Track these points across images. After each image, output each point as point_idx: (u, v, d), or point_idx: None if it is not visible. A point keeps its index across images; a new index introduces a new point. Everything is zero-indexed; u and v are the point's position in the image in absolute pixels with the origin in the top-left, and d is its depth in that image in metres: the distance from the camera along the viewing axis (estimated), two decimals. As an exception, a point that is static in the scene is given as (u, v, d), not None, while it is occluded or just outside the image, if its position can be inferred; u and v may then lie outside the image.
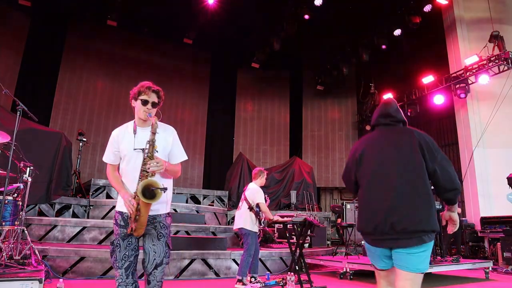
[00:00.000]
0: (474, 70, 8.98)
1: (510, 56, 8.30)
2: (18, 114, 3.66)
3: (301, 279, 4.35)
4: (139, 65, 12.48)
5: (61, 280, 3.41)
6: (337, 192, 14.01)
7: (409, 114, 10.80)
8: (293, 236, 6.45)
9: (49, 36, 11.15)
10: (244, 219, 4.69)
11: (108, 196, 7.82)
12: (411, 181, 1.94)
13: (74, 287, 4.17)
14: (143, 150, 2.29)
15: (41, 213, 6.60)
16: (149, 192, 2.15)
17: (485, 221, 8.12)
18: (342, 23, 11.58)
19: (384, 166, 2.03)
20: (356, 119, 13.82)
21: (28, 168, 4.34)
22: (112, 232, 4.41)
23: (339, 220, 10.18)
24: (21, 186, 4.27)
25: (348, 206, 10.54)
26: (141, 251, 2.37)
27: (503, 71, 8.60)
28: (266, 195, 4.99)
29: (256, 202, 4.69)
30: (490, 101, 8.94)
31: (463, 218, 8.53)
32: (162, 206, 2.39)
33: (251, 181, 5.00)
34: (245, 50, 13.50)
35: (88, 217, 7.01)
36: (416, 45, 11.87)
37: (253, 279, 4.67)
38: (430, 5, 10.01)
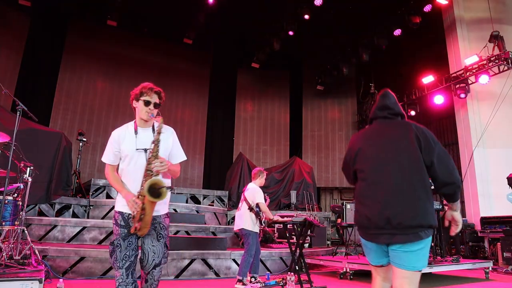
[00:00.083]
0: (474, 70, 8.97)
1: (510, 56, 8.30)
2: (18, 114, 3.66)
3: (301, 279, 4.34)
4: (139, 65, 12.49)
5: (61, 280, 3.42)
6: (337, 192, 14.01)
7: (409, 114, 10.80)
8: (293, 236, 6.46)
9: (49, 36, 11.14)
10: (244, 220, 4.69)
11: (108, 196, 7.82)
12: (408, 175, 1.90)
13: (74, 287, 4.17)
14: (145, 150, 2.33)
15: (41, 213, 6.60)
16: (155, 191, 2.17)
17: (485, 221, 8.12)
18: (342, 23, 11.59)
19: (381, 160, 2.00)
20: (356, 119, 13.82)
21: (28, 168, 4.34)
22: (112, 232, 4.41)
23: (339, 220, 10.18)
24: (21, 186, 4.27)
25: (348, 206, 10.54)
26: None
27: (503, 71, 8.60)
28: (265, 195, 4.99)
29: (256, 202, 4.69)
30: (490, 101, 8.94)
31: (463, 218, 8.54)
32: (162, 206, 2.41)
33: (251, 181, 5.00)
34: (245, 50, 13.51)
35: (88, 217, 7.01)
36: (416, 45, 11.87)
37: (253, 279, 4.67)
38: (430, 5, 10.01)
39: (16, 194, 4.21)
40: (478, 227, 8.28)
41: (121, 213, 2.34)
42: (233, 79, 14.42)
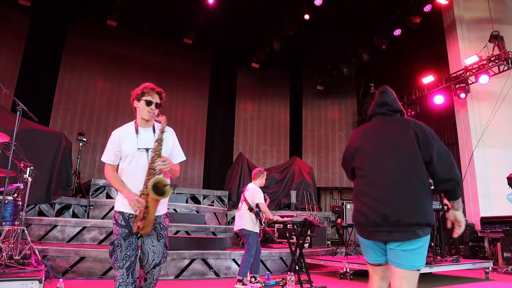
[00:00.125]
0: (474, 70, 8.97)
1: (510, 56, 8.30)
2: (18, 114, 3.67)
3: (301, 279, 4.35)
4: (139, 65, 12.49)
5: (61, 280, 3.42)
6: (337, 192, 14.01)
7: (409, 114, 10.80)
8: (293, 236, 6.46)
9: (49, 36, 11.15)
10: (244, 220, 4.69)
11: (108, 196, 7.82)
12: (406, 172, 1.88)
13: (74, 287, 4.17)
14: (146, 149, 2.35)
15: (41, 213, 6.60)
16: (159, 189, 2.19)
17: (485, 221, 8.12)
18: (342, 23, 11.58)
19: (379, 157, 1.98)
20: (356, 119, 13.82)
21: (28, 168, 4.34)
22: (112, 232, 4.41)
23: (339, 220, 10.18)
24: (21, 186, 4.27)
25: (348, 206, 10.55)
26: None
27: (503, 71, 8.60)
28: (265, 195, 4.99)
29: (256, 202, 4.69)
30: (490, 101, 8.94)
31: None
32: (162, 206, 2.43)
33: (251, 181, 5.00)
34: (245, 50, 13.51)
35: (88, 217, 7.01)
36: (416, 45, 11.86)
37: (253, 279, 4.67)
38: (430, 5, 10.01)
39: (16, 194, 4.21)
40: (478, 227, 8.28)
41: (121, 213, 2.35)
42: (233, 79, 14.43)
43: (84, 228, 5.92)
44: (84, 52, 11.76)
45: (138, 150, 2.36)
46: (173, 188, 2.24)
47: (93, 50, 11.97)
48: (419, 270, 1.86)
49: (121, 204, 2.36)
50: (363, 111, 13.32)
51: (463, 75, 9.20)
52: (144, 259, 2.35)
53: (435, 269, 5.22)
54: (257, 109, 14.48)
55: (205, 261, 5.46)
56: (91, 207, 7.11)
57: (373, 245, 1.97)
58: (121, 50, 12.43)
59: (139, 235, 2.36)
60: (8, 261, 3.62)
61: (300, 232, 4.70)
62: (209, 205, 9.53)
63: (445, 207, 7.09)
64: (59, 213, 6.85)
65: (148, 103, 2.40)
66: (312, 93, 14.13)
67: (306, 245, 7.87)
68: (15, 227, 4.08)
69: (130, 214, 2.33)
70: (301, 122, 14.19)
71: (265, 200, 4.85)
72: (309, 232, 4.88)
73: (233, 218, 6.10)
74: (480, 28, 9.42)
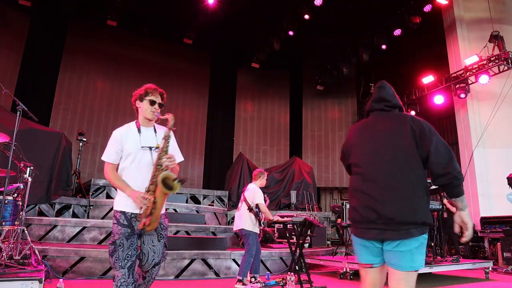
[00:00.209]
0: (474, 70, 8.97)
1: (510, 56, 8.30)
2: (18, 114, 3.66)
3: (301, 279, 4.35)
4: (139, 65, 12.49)
5: (61, 280, 3.42)
6: (337, 192, 14.01)
7: (409, 114, 10.79)
8: (293, 236, 6.45)
9: (49, 36, 11.15)
10: (244, 220, 4.69)
11: (108, 196, 7.82)
12: (401, 170, 1.83)
13: (74, 287, 4.17)
14: (150, 148, 2.39)
15: (41, 213, 6.60)
16: (168, 184, 2.22)
17: (485, 221, 8.12)
18: (342, 23, 11.58)
19: (375, 154, 1.93)
20: (356, 119, 13.82)
21: (28, 168, 4.34)
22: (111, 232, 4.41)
23: (339, 220, 10.20)
24: (21, 186, 4.27)
25: (348, 206, 10.53)
26: None
27: (503, 71, 8.60)
28: (265, 196, 4.98)
29: (256, 202, 4.69)
30: (490, 101, 8.94)
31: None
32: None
33: (251, 181, 5.00)
34: (245, 50, 13.52)
35: (88, 217, 7.01)
36: (416, 45, 11.86)
37: (253, 279, 4.67)
38: (430, 5, 10.01)
39: (16, 194, 4.21)
40: (478, 227, 8.28)
41: (123, 212, 2.35)
42: (233, 79, 14.44)
43: (84, 228, 5.92)
44: (84, 52, 11.76)
45: (142, 148, 2.39)
46: (181, 183, 2.27)
47: (93, 50, 11.97)
48: (417, 270, 1.82)
49: (123, 203, 2.37)
50: (363, 111, 13.30)
51: (463, 75, 9.20)
52: (143, 259, 2.37)
53: (435, 269, 5.22)
54: (257, 109, 14.48)
55: (205, 261, 5.46)
56: (91, 207, 7.11)
57: (368, 243, 1.90)
58: (121, 50, 12.43)
59: (142, 232, 2.37)
60: (8, 261, 3.62)
61: (300, 232, 4.70)
62: (209, 205, 9.53)
63: (444, 207, 7.11)
64: (59, 213, 6.85)
65: (152, 102, 2.45)
66: (312, 93, 14.13)
67: (306, 245, 7.87)
68: (15, 227, 4.08)
69: (132, 213, 2.34)
70: (301, 122, 14.19)
71: (265, 201, 4.84)
72: (309, 232, 4.88)
73: (233, 218, 6.10)
74: (480, 28, 9.42)
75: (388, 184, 1.83)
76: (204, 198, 9.70)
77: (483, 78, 8.68)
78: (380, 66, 12.78)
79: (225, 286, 4.77)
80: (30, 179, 4.34)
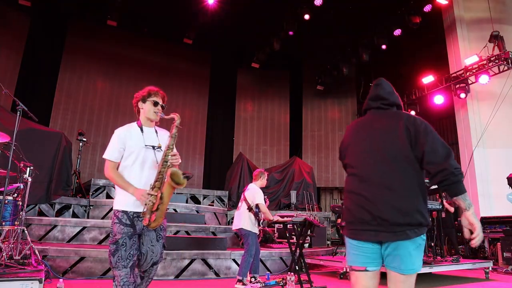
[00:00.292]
0: (474, 70, 8.98)
1: (510, 56, 8.30)
2: (18, 114, 3.66)
3: (301, 279, 4.35)
4: (139, 65, 12.49)
5: (61, 280, 3.42)
6: (337, 192, 14.01)
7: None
8: (293, 236, 6.45)
9: (49, 36, 11.15)
10: (243, 220, 4.69)
11: (108, 196, 7.82)
12: (396, 170, 1.78)
13: (74, 287, 4.17)
14: (153, 147, 2.45)
15: (41, 213, 6.60)
16: (175, 180, 2.27)
17: (485, 221, 8.11)
18: (342, 23, 11.58)
19: (369, 155, 1.88)
20: (356, 119, 13.82)
21: (28, 168, 4.34)
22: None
23: (339, 220, 10.18)
24: (21, 186, 4.27)
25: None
26: None
27: (503, 71, 8.60)
28: (265, 197, 4.98)
29: (256, 202, 4.69)
30: (490, 101, 8.94)
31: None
32: None
33: (251, 181, 5.00)
34: (245, 50, 13.52)
35: (88, 217, 7.01)
36: (416, 45, 11.87)
37: (253, 279, 4.67)
38: (430, 5, 10.02)
39: (16, 194, 4.21)
40: (478, 227, 8.27)
41: (125, 212, 2.35)
42: (233, 79, 14.44)
43: (84, 228, 5.92)
44: (84, 52, 11.76)
45: (145, 147, 2.43)
46: (188, 179, 2.35)
47: (93, 50, 11.97)
48: (416, 272, 1.78)
49: (124, 203, 2.37)
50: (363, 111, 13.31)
51: (463, 75, 9.20)
52: (142, 258, 2.39)
53: (435, 269, 5.21)
54: (257, 109, 14.48)
55: (205, 261, 5.46)
56: (91, 207, 7.11)
57: (363, 244, 1.82)
58: (121, 50, 12.43)
59: (142, 232, 2.39)
60: (8, 261, 3.62)
61: (300, 232, 4.70)
62: (209, 205, 9.53)
63: (446, 206, 7.11)
64: (59, 213, 6.85)
65: (155, 103, 2.52)
66: (312, 93, 14.13)
67: (306, 245, 7.87)
68: (15, 227, 4.08)
69: (134, 212, 2.35)
70: (301, 122, 14.19)
71: (265, 201, 4.84)
72: (309, 232, 4.88)
73: (233, 218, 6.10)
74: (480, 28, 9.42)
75: (382, 184, 1.78)
76: (204, 198, 9.69)
77: (483, 78, 8.69)
78: (380, 66, 12.77)
79: (225, 286, 4.77)
80: (30, 179, 4.34)
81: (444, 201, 6.79)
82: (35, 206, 6.52)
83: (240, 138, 14.11)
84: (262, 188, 4.89)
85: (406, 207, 1.72)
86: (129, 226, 2.32)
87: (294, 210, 10.19)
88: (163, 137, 2.55)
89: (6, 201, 3.96)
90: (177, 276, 5.17)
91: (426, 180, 1.84)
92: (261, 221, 4.81)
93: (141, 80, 11.56)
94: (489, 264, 5.88)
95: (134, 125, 2.54)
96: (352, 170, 1.95)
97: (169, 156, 2.37)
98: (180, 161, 2.45)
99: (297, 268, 4.41)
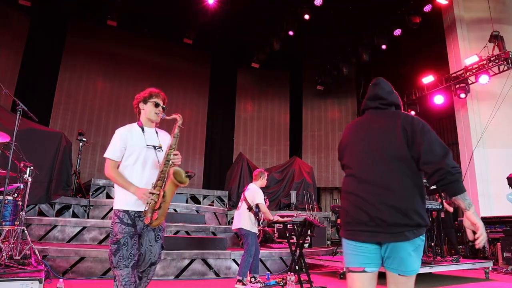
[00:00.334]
0: (474, 70, 8.98)
1: (510, 56, 8.30)
2: (18, 114, 3.66)
3: (301, 279, 4.34)
4: (139, 65, 12.49)
5: (61, 280, 3.42)
6: (337, 192, 14.01)
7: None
8: (293, 236, 6.45)
9: (49, 36, 11.15)
10: (243, 219, 4.69)
11: (108, 196, 7.82)
12: (394, 170, 1.75)
13: (74, 287, 4.17)
14: (154, 147, 2.48)
15: (41, 213, 6.60)
16: (178, 179, 2.29)
17: (485, 221, 8.11)
18: (342, 23, 11.58)
19: (366, 155, 1.86)
20: (354, 119, 13.82)
21: (28, 168, 4.34)
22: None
23: (339, 220, 10.17)
24: (21, 186, 4.27)
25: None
26: None
27: (503, 71, 8.60)
28: (265, 197, 4.98)
29: (256, 202, 4.69)
30: (490, 101, 8.94)
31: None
32: None
33: (251, 181, 5.00)
34: (245, 50, 13.52)
35: (88, 217, 7.01)
36: (416, 45, 11.87)
37: (253, 279, 4.67)
38: (430, 5, 10.02)
39: (16, 194, 4.21)
40: (478, 227, 8.27)
41: (126, 211, 2.36)
42: (233, 79, 14.44)
43: (84, 228, 5.92)
44: (84, 52, 11.76)
45: (146, 146, 2.45)
46: (190, 177, 2.36)
47: (93, 50, 11.97)
48: (416, 273, 1.77)
49: (126, 202, 2.37)
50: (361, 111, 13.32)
51: (463, 75, 9.20)
52: (140, 258, 2.39)
53: (435, 269, 5.21)
54: (257, 109, 14.48)
55: (205, 261, 5.46)
56: (91, 207, 7.11)
57: (361, 245, 1.79)
58: (121, 50, 12.43)
59: (142, 232, 2.40)
60: (8, 261, 3.62)
61: (300, 232, 4.70)
62: (209, 205, 9.53)
63: (446, 205, 7.10)
64: (59, 213, 6.85)
65: (157, 104, 2.55)
66: (312, 93, 14.13)
67: (306, 245, 7.87)
68: (15, 227, 4.08)
69: (135, 212, 2.35)
70: (301, 122, 14.20)
71: (265, 201, 4.84)
72: (309, 232, 4.88)
73: (233, 218, 6.10)
74: (480, 28, 9.42)
75: (380, 184, 1.76)
76: (204, 198, 9.69)
77: (483, 78, 8.69)
78: (380, 66, 12.77)
79: (225, 286, 4.77)
80: (30, 179, 4.34)
81: (444, 201, 6.80)
82: (35, 206, 6.52)
83: (240, 138, 14.11)
84: (262, 188, 4.89)
85: (405, 207, 1.70)
86: (131, 225, 2.32)
87: (294, 210, 10.19)
88: (164, 138, 2.59)
89: (6, 201, 3.96)
90: (177, 276, 5.17)
91: (425, 181, 1.81)
92: (261, 221, 4.81)
93: (141, 80, 11.57)
94: (489, 264, 5.88)
95: (135, 125, 2.56)
96: (350, 170, 1.93)
97: (172, 156, 2.39)
98: (180, 161, 2.47)
99: (297, 268, 4.41)
